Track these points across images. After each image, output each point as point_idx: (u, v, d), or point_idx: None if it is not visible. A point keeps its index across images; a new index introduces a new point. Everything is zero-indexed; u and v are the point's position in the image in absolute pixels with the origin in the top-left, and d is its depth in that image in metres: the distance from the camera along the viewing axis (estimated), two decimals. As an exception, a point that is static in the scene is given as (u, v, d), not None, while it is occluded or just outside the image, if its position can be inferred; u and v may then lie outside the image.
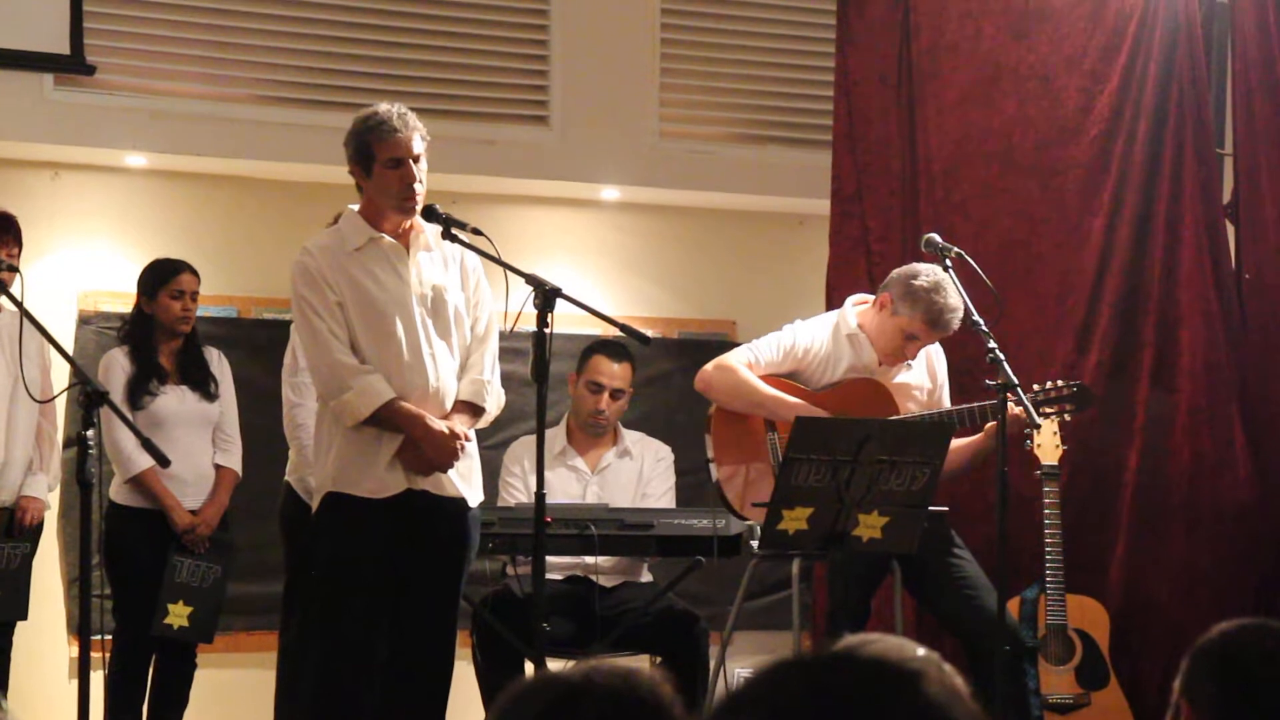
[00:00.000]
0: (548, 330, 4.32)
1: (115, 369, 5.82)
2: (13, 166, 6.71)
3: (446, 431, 4.52)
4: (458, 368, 4.65)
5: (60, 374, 5.92)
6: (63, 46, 6.50)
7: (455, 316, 4.64)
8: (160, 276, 5.92)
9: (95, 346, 6.55)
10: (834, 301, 5.81)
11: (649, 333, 4.69)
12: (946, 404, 5.47)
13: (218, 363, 6.03)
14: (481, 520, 4.79)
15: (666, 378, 7.25)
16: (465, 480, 4.64)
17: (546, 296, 4.35)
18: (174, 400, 5.86)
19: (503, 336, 4.76)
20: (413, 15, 7.03)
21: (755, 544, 5.18)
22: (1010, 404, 4.90)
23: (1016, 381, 4.91)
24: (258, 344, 6.69)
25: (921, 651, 1.91)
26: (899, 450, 4.70)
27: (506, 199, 7.25)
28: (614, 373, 5.97)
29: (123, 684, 5.69)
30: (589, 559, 5.67)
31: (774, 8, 7.48)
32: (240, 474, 6.00)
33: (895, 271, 5.38)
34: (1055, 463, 5.65)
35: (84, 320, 6.77)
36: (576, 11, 7.19)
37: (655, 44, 7.33)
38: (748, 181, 7.40)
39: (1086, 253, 6.29)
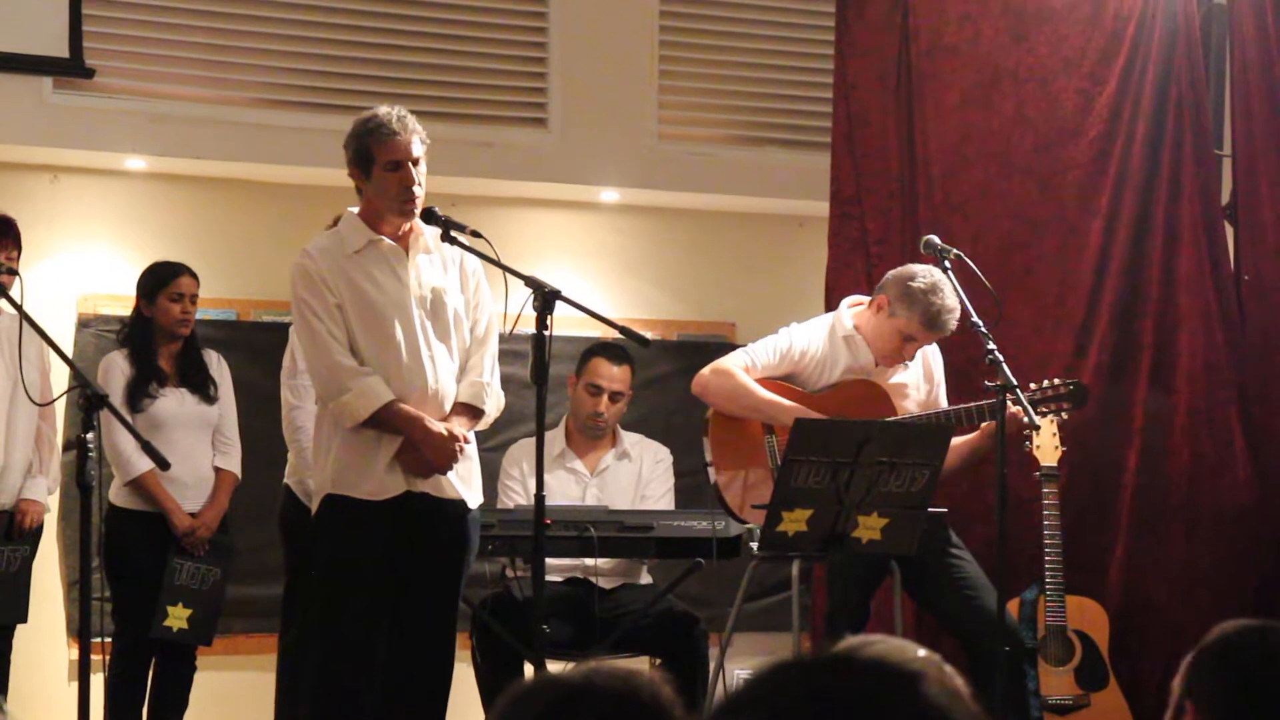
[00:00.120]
0: (547, 332, 4.33)
1: (115, 372, 5.83)
2: (12, 170, 6.71)
3: (445, 433, 4.52)
4: (457, 370, 4.65)
5: (60, 377, 5.92)
6: (62, 50, 6.50)
7: (454, 319, 4.64)
8: (159, 279, 5.92)
9: (95, 349, 6.55)
10: (833, 303, 5.81)
11: (648, 335, 4.69)
12: (944, 403, 5.47)
13: (217, 365, 6.03)
14: (481, 522, 4.79)
15: (665, 380, 7.25)
16: (465, 482, 4.64)
17: (546, 299, 4.35)
18: (173, 403, 5.86)
19: (502, 339, 4.76)
20: (412, 18, 7.04)
21: (755, 546, 5.18)
22: (1009, 403, 4.91)
23: (1016, 383, 4.91)
24: (257, 347, 6.68)
25: (923, 653, 1.91)
26: (898, 452, 4.70)
27: (505, 201, 7.25)
28: (613, 375, 5.97)
29: (122, 686, 5.69)
30: (588, 561, 5.67)
31: (773, 10, 7.48)
32: (240, 476, 6.00)
33: (891, 273, 5.39)
34: (1054, 464, 5.65)
35: (83, 323, 6.77)
36: (575, 14, 7.19)
37: (654, 46, 7.33)
38: (747, 183, 7.40)
39: (1085, 254, 6.29)
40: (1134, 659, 6.04)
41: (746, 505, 5.25)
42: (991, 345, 4.95)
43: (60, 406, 6.08)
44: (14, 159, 6.69)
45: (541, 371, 4.32)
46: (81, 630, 4.20)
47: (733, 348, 5.74)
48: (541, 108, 7.21)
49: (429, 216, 4.58)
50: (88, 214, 6.85)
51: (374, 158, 4.53)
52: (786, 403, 5.26)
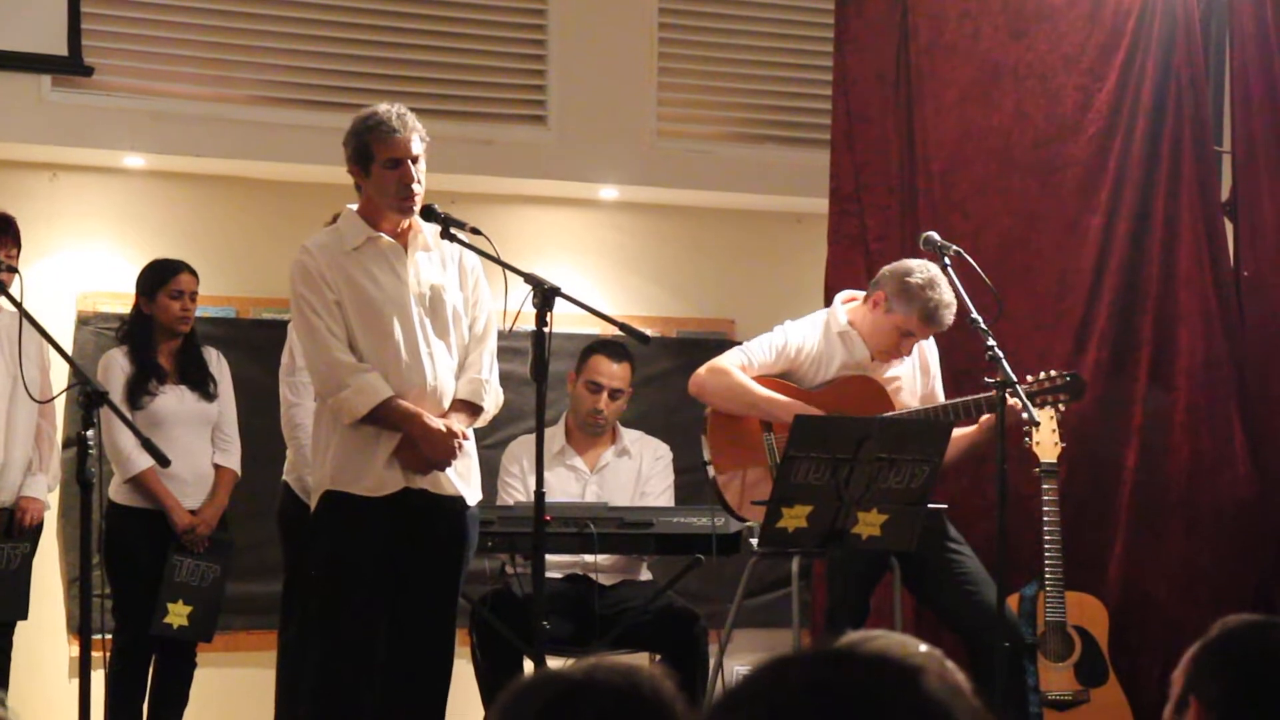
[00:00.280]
0: (547, 329, 4.33)
1: (114, 369, 5.83)
2: (11, 168, 6.71)
3: (444, 430, 4.51)
4: (456, 367, 4.65)
5: (59, 374, 5.92)
6: (60, 48, 6.49)
7: (453, 316, 4.64)
8: (159, 277, 5.92)
9: (94, 347, 6.55)
10: (832, 300, 5.81)
11: (648, 332, 4.68)
12: (940, 394, 5.48)
13: (217, 363, 6.03)
14: (481, 519, 4.79)
15: (665, 377, 7.25)
16: (463, 479, 4.63)
17: (545, 296, 4.35)
18: (173, 400, 5.86)
19: (502, 336, 4.76)
20: (411, 16, 7.03)
21: (754, 542, 5.18)
22: (1007, 397, 4.91)
23: (1015, 379, 4.91)
24: (256, 344, 6.68)
25: (924, 648, 1.91)
26: (898, 448, 4.71)
27: (505, 198, 7.25)
28: (613, 373, 5.97)
29: (123, 683, 5.69)
30: (588, 557, 5.67)
31: (772, 7, 7.48)
32: (239, 474, 6.00)
33: (886, 268, 5.39)
34: (1054, 460, 5.65)
35: (83, 321, 6.77)
36: (574, 11, 7.19)
37: (653, 43, 7.33)
38: (746, 180, 7.40)
39: (1085, 251, 6.29)
40: (1133, 655, 6.04)
41: (746, 503, 5.25)
42: (991, 342, 4.96)
43: (60, 404, 6.07)
44: (13, 157, 6.68)
45: (541, 368, 4.32)
46: (82, 627, 4.20)
47: (732, 344, 5.74)
48: (541, 105, 7.21)
49: (428, 214, 4.58)
50: (87, 212, 6.85)
51: (373, 155, 4.52)
52: (784, 399, 5.26)
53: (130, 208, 6.90)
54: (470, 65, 7.12)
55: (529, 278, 4.41)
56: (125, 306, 6.23)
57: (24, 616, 5.85)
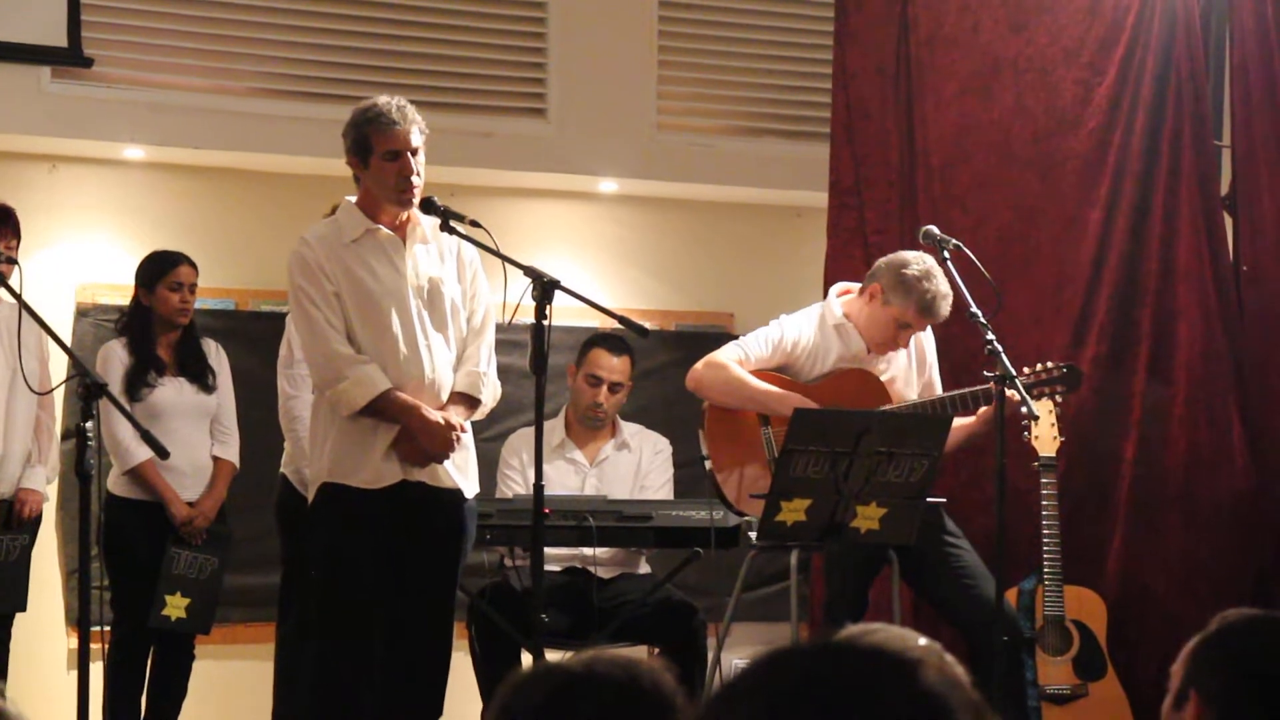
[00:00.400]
0: (546, 322, 4.33)
1: (113, 361, 5.82)
2: (10, 159, 6.70)
3: (442, 422, 4.51)
4: (454, 360, 4.65)
5: (59, 366, 5.92)
6: (60, 39, 6.49)
7: (452, 308, 4.63)
8: (158, 268, 5.92)
9: (93, 339, 6.55)
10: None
11: (647, 325, 4.68)
12: (938, 385, 5.49)
13: (215, 355, 6.03)
14: (480, 512, 4.79)
15: (664, 370, 7.25)
16: (461, 472, 4.63)
17: (545, 289, 4.35)
18: (172, 392, 5.86)
19: (501, 329, 4.76)
20: (410, 8, 7.03)
21: (753, 535, 5.18)
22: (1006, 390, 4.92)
23: (1014, 373, 4.91)
24: (255, 336, 6.68)
25: (923, 642, 1.91)
26: (897, 442, 4.71)
27: (504, 191, 7.24)
28: (613, 366, 5.97)
29: (121, 675, 5.70)
30: (587, 550, 5.67)
31: (772, 0, 7.47)
32: (238, 466, 6.00)
33: (882, 260, 5.39)
34: (1053, 454, 5.65)
35: (82, 313, 6.76)
36: (575, 4, 7.19)
37: (653, 37, 7.32)
38: (745, 174, 7.39)
39: (1084, 245, 6.29)
40: (1132, 649, 6.05)
41: (743, 497, 5.25)
42: (990, 336, 4.96)
43: (59, 395, 6.08)
44: (13, 148, 6.68)
45: (540, 361, 4.32)
46: (80, 619, 4.20)
47: (731, 338, 5.74)
48: (541, 98, 7.20)
49: (427, 206, 4.58)
50: (86, 203, 6.85)
51: (372, 147, 4.52)
52: (782, 393, 5.26)
53: (130, 199, 6.90)
54: (470, 58, 7.12)
55: (528, 270, 4.41)
56: (124, 298, 6.23)
57: (23, 608, 5.85)
